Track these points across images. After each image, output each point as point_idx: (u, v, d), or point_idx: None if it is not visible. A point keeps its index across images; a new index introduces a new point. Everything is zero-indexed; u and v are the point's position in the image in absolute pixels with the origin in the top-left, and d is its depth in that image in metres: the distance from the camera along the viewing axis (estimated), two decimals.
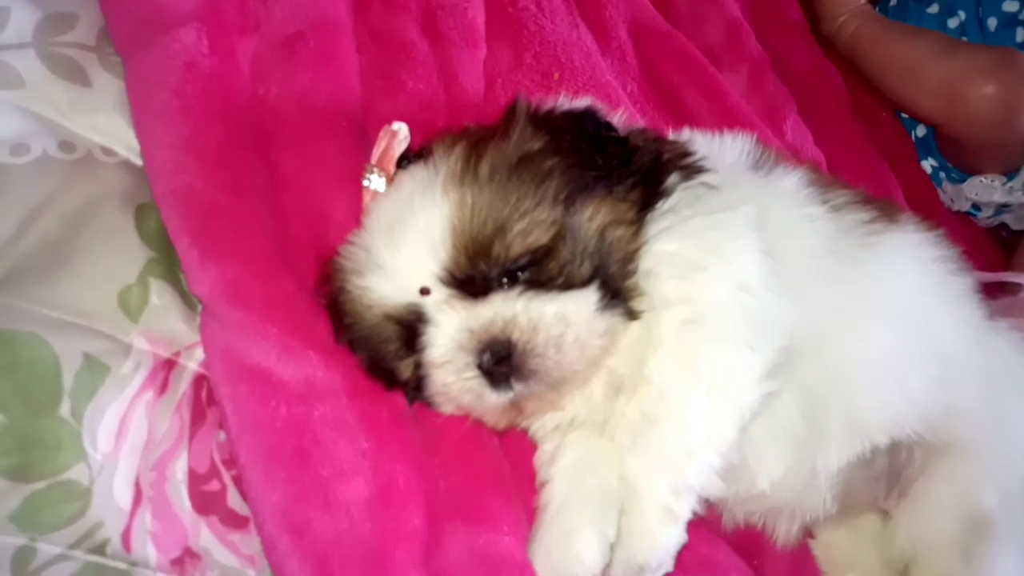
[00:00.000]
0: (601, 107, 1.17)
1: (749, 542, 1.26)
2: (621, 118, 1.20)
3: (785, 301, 1.02)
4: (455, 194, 0.98)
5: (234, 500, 0.98)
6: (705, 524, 1.19)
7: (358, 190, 1.10)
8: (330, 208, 1.11)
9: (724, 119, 1.51)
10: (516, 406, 1.01)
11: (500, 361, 0.96)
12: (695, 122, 1.44)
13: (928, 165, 1.91)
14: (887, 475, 1.24)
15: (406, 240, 0.99)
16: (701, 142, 1.23)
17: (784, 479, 1.11)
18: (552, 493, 1.06)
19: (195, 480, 0.96)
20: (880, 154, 1.81)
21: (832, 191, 1.20)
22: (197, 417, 0.99)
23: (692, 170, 1.12)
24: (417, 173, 1.05)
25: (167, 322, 1.00)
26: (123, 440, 0.93)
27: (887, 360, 1.12)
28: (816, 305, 1.07)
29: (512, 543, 1.02)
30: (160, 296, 1.00)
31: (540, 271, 0.98)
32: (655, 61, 1.57)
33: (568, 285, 0.99)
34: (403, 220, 1.00)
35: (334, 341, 1.04)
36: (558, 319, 0.97)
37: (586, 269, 1.00)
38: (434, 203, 0.99)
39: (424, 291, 0.99)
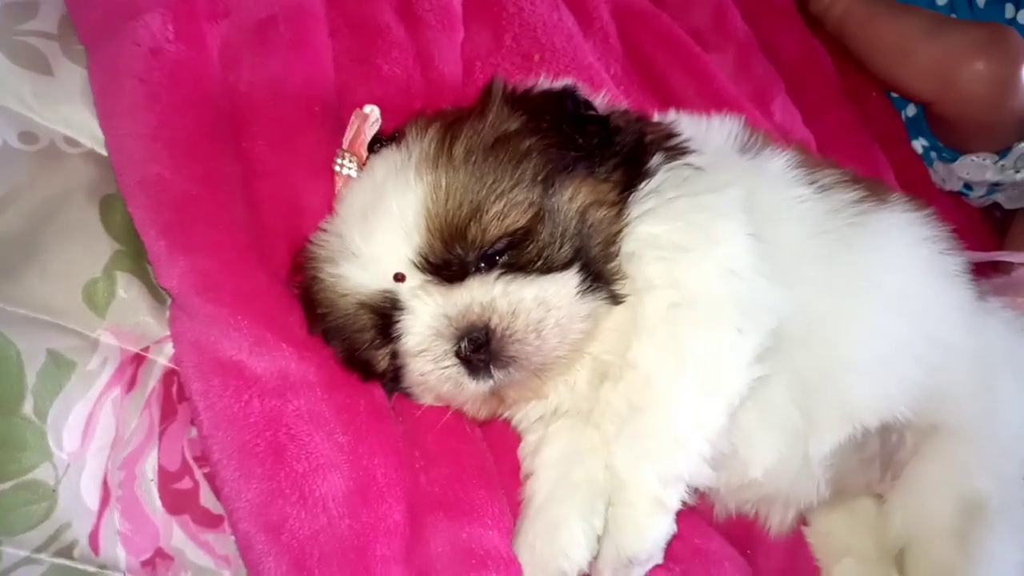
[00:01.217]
0: (581, 87, 1.14)
1: (742, 531, 1.24)
2: (603, 100, 1.18)
3: (774, 284, 1.00)
4: (429, 177, 0.96)
5: (207, 498, 0.96)
6: (697, 514, 1.17)
7: (334, 178, 1.08)
8: (305, 197, 1.09)
9: (711, 101, 1.47)
10: (497, 395, 1.00)
11: (479, 348, 0.94)
12: (681, 104, 1.39)
13: (919, 145, 1.88)
14: (880, 458, 1.22)
15: (379, 225, 0.97)
16: (687, 124, 1.21)
17: (777, 466, 1.09)
18: (537, 485, 1.05)
19: (166, 478, 0.94)
20: (871, 135, 1.78)
21: (819, 171, 1.18)
22: (167, 413, 0.97)
23: (676, 151, 1.10)
24: (390, 157, 1.03)
25: (135, 316, 0.98)
26: (90, 438, 0.91)
27: (878, 343, 1.11)
28: (806, 288, 1.05)
29: (496, 536, 1.00)
30: (127, 290, 0.98)
31: (518, 254, 0.96)
32: (639, 42, 1.54)
33: (548, 268, 0.96)
34: (376, 205, 0.98)
35: (308, 332, 1.02)
36: (538, 303, 0.95)
37: (566, 252, 0.98)
38: (407, 186, 0.96)
39: (398, 277, 0.97)
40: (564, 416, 1.07)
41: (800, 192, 1.13)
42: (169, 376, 0.98)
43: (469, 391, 0.97)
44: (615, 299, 1.01)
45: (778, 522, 1.21)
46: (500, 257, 0.97)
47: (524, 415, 1.09)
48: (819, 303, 1.07)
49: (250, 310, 0.96)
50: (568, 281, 0.96)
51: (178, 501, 0.94)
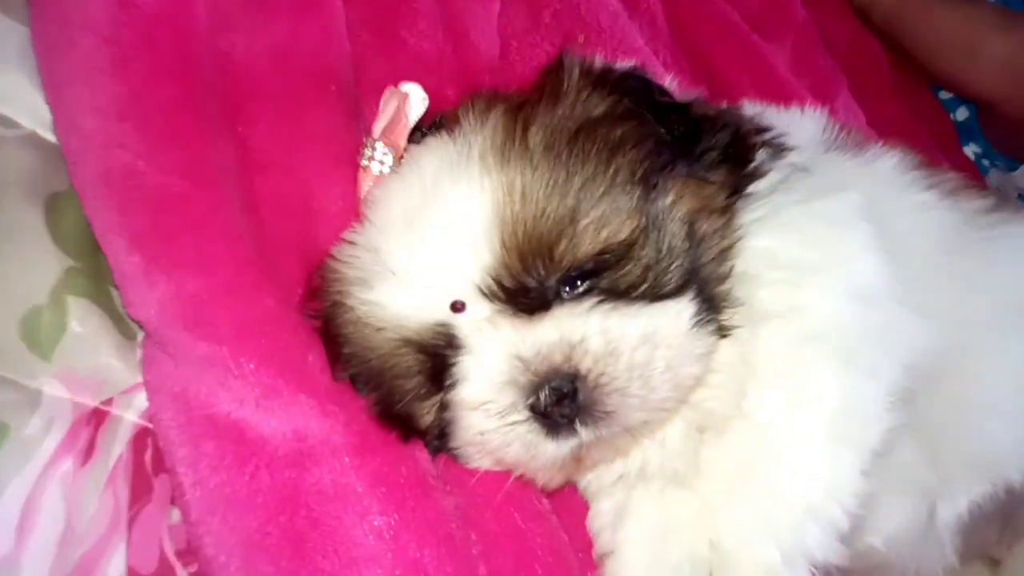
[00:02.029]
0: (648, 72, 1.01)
1: None
2: (672, 84, 1.04)
3: (911, 312, 0.87)
4: (500, 174, 0.81)
5: None
6: None
7: (354, 173, 0.91)
8: (319, 197, 0.92)
9: (770, 94, 1.33)
10: (576, 457, 0.82)
11: (561, 399, 0.77)
12: (737, 97, 1.26)
13: (971, 152, 1.80)
14: (998, 517, 1.09)
15: (433, 237, 0.81)
16: (770, 117, 1.07)
17: (900, 532, 0.97)
18: (622, 568, 0.90)
19: None
20: (928, 134, 1.66)
21: (939, 174, 1.06)
22: (139, 492, 0.81)
23: (778, 148, 0.95)
24: (439, 148, 0.87)
25: (93, 358, 0.83)
26: (29, 533, 0.74)
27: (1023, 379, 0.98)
28: (938, 315, 0.91)
29: None
30: (83, 321, 0.83)
31: (616, 277, 0.81)
32: (688, 26, 1.39)
33: (656, 295, 0.80)
34: (427, 210, 0.82)
35: (331, 377, 0.84)
36: (644, 341, 0.78)
37: (676, 272, 0.82)
38: (471, 186, 0.81)
39: (458, 306, 0.80)
40: (650, 478, 0.90)
41: (923, 198, 1.00)
42: (140, 439, 0.82)
43: (546, 455, 0.80)
44: (722, 331, 0.85)
45: None
46: (584, 281, 0.80)
47: (597, 476, 0.93)
48: (953, 334, 0.92)
49: (256, 349, 0.79)
50: (683, 311, 0.80)
51: None
